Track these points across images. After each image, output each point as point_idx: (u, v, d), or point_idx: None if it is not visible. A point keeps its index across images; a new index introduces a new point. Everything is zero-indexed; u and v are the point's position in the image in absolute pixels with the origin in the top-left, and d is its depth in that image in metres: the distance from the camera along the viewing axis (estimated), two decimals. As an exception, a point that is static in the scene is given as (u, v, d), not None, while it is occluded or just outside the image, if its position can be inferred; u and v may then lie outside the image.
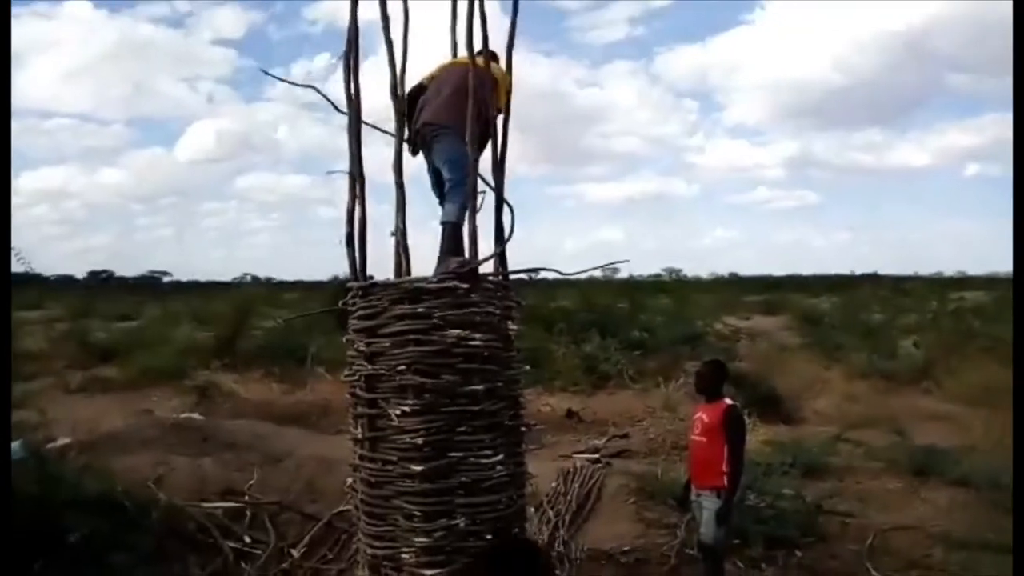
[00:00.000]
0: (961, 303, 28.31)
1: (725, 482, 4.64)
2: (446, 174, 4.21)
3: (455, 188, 4.12)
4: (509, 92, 4.24)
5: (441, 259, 4.13)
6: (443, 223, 4.20)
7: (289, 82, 4.74)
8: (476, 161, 4.07)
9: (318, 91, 4.35)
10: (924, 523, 6.40)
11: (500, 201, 4.27)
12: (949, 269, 75.10)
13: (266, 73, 4.84)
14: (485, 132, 4.15)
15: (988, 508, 6.42)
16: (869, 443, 8.98)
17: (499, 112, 4.19)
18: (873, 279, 61.61)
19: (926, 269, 76.64)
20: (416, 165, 4.47)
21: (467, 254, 4.06)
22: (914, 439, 8.86)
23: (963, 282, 50.58)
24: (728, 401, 4.86)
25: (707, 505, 4.74)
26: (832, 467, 7.98)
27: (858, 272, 73.30)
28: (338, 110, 4.21)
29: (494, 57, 4.26)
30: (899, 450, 8.41)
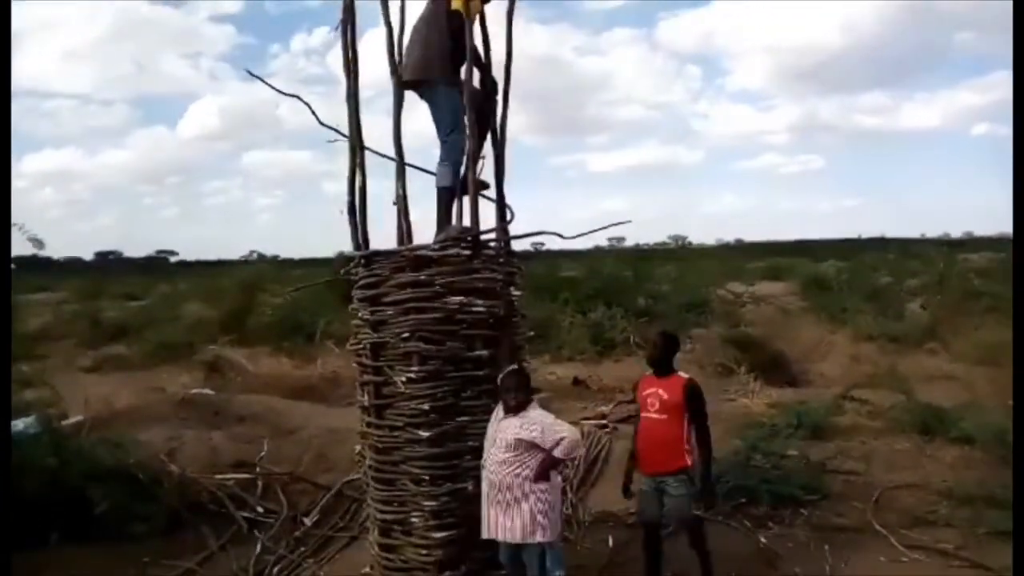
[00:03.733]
0: (967, 264, 28.09)
1: (688, 460, 4.28)
2: (438, 135, 4.19)
3: (446, 149, 4.11)
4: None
5: (440, 226, 4.15)
6: (438, 188, 4.20)
7: (275, 89, 4.80)
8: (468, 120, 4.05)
9: (304, 102, 4.54)
10: (930, 480, 6.43)
11: (501, 170, 4.28)
12: (956, 230, 74.44)
13: (250, 74, 4.90)
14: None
15: (994, 465, 6.44)
16: (875, 403, 8.99)
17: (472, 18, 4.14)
18: (880, 243, 61.17)
19: (933, 231, 76.02)
20: (413, 135, 4.49)
21: (467, 219, 4.07)
22: (920, 399, 8.86)
23: (970, 243, 50.14)
24: (684, 375, 4.45)
25: (675, 490, 4.26)
26: (838, 428, 8.00)
27: (865, 236, 72.76)
28: (321, 122, 4.36)
29: None
30: (904, 410, 8.42)
